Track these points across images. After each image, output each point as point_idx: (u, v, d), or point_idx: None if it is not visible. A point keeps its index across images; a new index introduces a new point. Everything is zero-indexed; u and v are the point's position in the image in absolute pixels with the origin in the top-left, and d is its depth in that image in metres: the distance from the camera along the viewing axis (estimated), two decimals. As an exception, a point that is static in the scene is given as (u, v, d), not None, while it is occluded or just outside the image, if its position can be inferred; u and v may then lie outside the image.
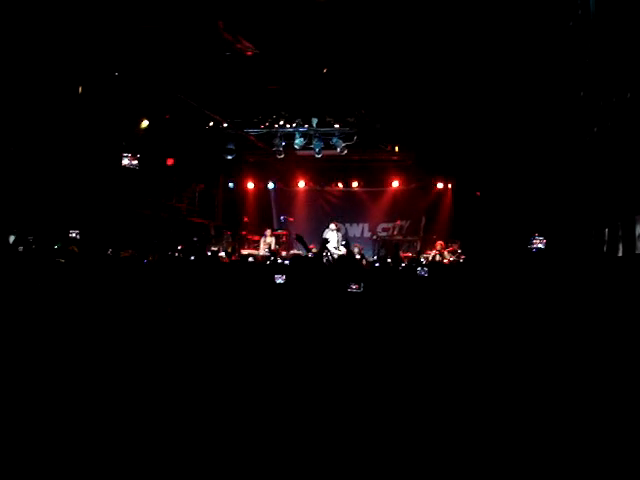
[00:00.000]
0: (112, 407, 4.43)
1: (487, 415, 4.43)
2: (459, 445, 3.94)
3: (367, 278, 7.69)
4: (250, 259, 13.53)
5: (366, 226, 20.58)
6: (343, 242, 16.24)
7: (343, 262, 10.29)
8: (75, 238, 11.56)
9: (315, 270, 8.51)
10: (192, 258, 11.15)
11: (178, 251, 13.52)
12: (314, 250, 15.92)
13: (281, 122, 16.56)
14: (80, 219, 12.41)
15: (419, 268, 8.40)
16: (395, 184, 19.74)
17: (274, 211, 21.45)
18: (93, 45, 11.40)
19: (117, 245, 11.80)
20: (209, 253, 14.05)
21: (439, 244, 16.55)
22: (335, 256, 12.42)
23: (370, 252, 17.90)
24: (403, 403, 4.68)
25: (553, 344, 5.92)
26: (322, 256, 10.04)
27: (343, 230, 19.43)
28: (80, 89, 12.47)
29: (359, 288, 7.24)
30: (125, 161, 14.50)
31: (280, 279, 7.84)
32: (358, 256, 15.59)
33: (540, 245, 10.27)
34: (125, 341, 6.14)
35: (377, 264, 12.83)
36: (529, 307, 7.06)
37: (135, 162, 14.66)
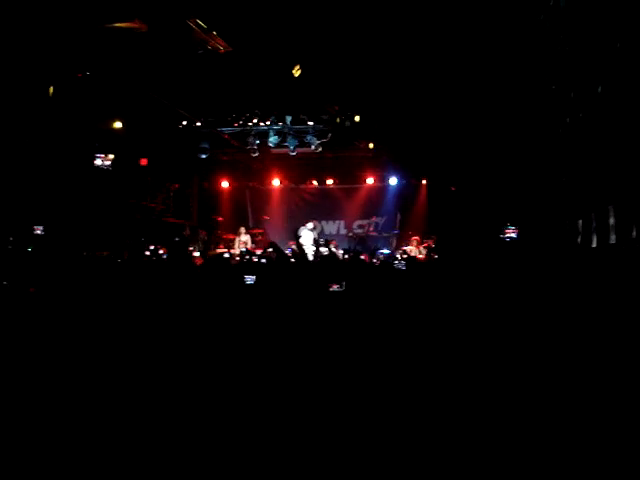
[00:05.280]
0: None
1: (474, 413, 4.47)
2: (441, 446, 3.97)
3: (347, 276, 7.67)
4: (225, 255, 13.45)
5: (342, 223, 20.65)
6: (322, 241, 16.25)
7: (323, 261, 10.25)
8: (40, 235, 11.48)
9: (293, 270, 8.47)
10: (169, 258, 11.07)
11: (152, 252, 13.43)
12: (293, 247, 15.94)
13: (255, 120, 16.54)
14: (52, 220, 12.28)
15: (396, 262, 8.42)
16: (370, 181, 19.83)
17: (249, 210, 21.43)
18: (64, 44, 11.29)
19: (90, 246, 11.71)
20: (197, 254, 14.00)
21: (415, 240, 16.63)
22: (310, 256, 12.39)
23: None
24: (394, 401, 4.69)
25: (527, 334, 5.97)
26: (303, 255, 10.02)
27: (319, 228, 19.47)
28: (52, 89, 12.34)
29: (340, 287, 7.19)
30: (98, 161, 14.39)
31: (250, 280, 7.72)
32: (341, 251, 15.63)
33: (513, 235, 10.36)
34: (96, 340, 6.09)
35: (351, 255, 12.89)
36: (503, 298, 7.11)
37: (108, 162, 14.55)
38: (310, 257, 10.50)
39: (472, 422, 4.22)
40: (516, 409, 4.36)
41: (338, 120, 15.79)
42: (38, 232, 11.52)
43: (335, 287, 7.20)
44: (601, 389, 4.50)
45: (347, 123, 15.97)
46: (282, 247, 10.46)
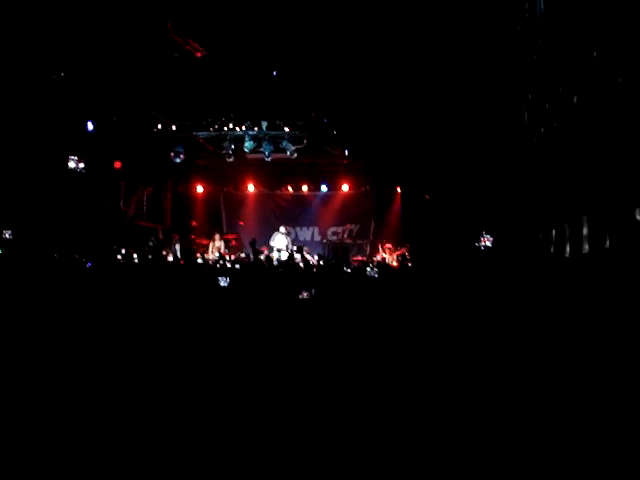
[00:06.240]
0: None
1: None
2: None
3: (318, 282, 7.67)
4: (199, 261, 13.38)
5: (316, 230, 20.61)
6: (294, 247, 16.22)
7: (292, 267, 10.26)
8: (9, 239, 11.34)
9: (264, 276, 8.47)
10: (144, 262, 11.01)
11: (123, 255, 13.31)
12: (266, 253, 15.88)
13: (230, 125, 16.45)
14: (24, 223, 12.11)
15: (368, 269, 8.43)
16: (345, 188, 19.86)
17: (223, 215, 21.32)
18: (38, 45, 11.14)
19: (62, 249, 11.57)
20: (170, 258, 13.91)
21: (387, 247, 16.65)
22: (282, 260, 12.42)
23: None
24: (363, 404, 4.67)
25: (501, 341, 6.00)
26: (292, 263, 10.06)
27: (292, 234, 19.44)
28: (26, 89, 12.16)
29: (310, 295, 7.22)
30: (71, 164, 14.21)
31: (224, 282, 7.77)
32: (316, 257, 15.61)
33: (487, 243, 10.41)
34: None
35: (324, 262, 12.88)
36: (477, 306, 7.14)
37: (82, 165, 14.39)
38: (277, 261, 10.55)
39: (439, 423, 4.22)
40: (490, 413, 4.36)
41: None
42: (7, 236, 11.34)
43: (305, 294, 7.23)
44: (577, 392, 4.53)
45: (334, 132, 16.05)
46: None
